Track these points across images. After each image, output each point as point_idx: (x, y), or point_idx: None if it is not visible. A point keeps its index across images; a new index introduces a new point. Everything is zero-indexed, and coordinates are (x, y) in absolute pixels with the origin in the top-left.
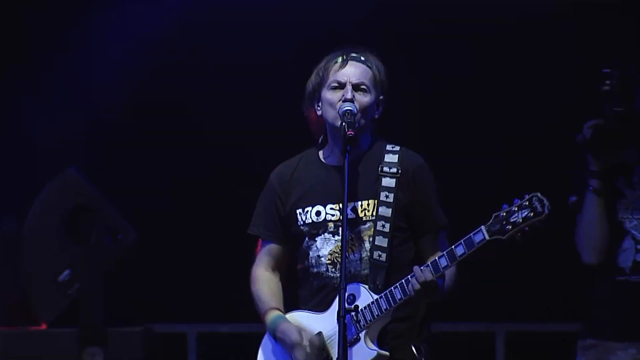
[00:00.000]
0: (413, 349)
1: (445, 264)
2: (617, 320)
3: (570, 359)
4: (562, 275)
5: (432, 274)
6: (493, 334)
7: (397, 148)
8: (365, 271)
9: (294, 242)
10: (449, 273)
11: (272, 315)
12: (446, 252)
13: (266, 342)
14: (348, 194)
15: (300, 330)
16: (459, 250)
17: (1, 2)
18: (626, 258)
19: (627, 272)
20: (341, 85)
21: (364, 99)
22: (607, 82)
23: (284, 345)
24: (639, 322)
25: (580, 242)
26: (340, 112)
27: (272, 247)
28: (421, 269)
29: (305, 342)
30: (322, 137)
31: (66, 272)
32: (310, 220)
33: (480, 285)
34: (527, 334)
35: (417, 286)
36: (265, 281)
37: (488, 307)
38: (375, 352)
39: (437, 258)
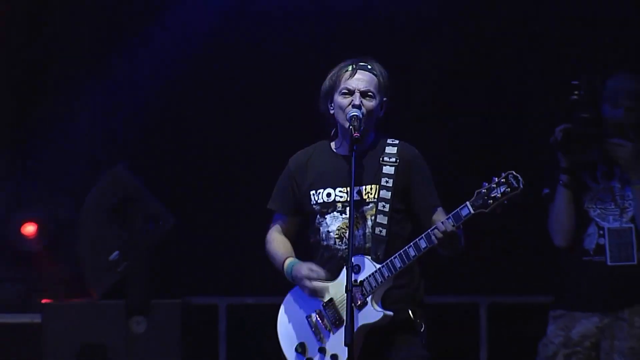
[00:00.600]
0: (410, 312)
1: (452, 226)
2: (582, 294)
3: (544, 327)
4: (538, 254)
5: (453, 226)
6: (477, 305)
7: (396, 142)
8: (368, 245)
9: (307, 219)
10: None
11: (287, 263)
12: (449, 218)
13: (282, 314)
14: (354, 179)
15: (309, 267)
16: (452, 222)
17: (60, 14)
18: (590, 241)
19: (591, 254)
20: (350, 92)
21: (369, 103)
22: (576, 92)
23: (296, 277)
24: (601, 295)
25: (551, 228)
26: (348, 117)
27: (285, 219)
28: (442, 222)
29: (313, 274)
30: (334, 131)
31: (115, 253)
32: (321, 200)
33: (466, 262)
34: (507, 305)
35: (440, 235)
36: (277, 241)
37: (473, 281)
38: (382, 314)
39: (445, 219)
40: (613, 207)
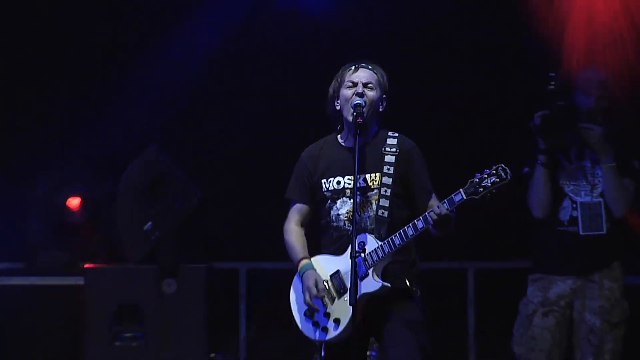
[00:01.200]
0: (407, 282)
1: (447, 210)
2: (557, 259)
3: (524, 289)
4: (520, 225)
5: (447, 209)
6: (465, 270)
7: (396, 134)
8: (372, 225)
9: (319, 203)
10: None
11: (302, 263)
12: (444, 203)
13: (296, 281)
14: (359, 168)
15: (317, 281)
16: (447, 206)
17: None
18: (565, 214)
19: (566, 224)
20: (354, 84)
21: (370, 93)
22: (552, 82)
23: (304, 284)
24: (574, 261)
25: (531, 202)
26: (352, 105)
27: (302, 207)
28: (438, 206)
29: (313, 290)
30: (340, 126)
31: (149, 224)
32: (332, 188)
33: (456, 231)
34: (492, 270)
35: (435, 217)
36: (296, 234)
37: (461, 248)
38: (380, 284)
39: (440, 204)
40: (584, 183)
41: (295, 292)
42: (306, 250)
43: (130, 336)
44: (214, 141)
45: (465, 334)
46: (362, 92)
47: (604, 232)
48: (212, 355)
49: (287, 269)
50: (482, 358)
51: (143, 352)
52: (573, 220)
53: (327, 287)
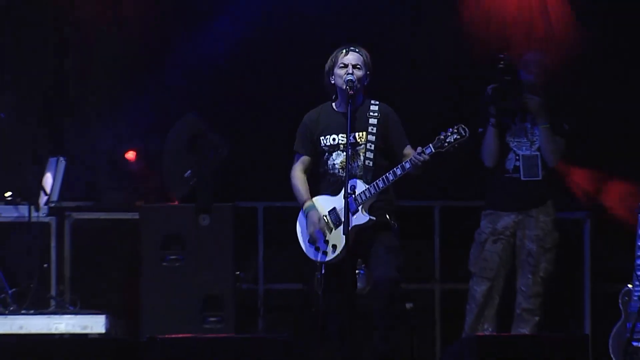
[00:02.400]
0: (387, 216)
1: (419, 160)
2: (504, 199)
3: (478, 222)
4: (476, 171)
5: (426, 158)
6: (432, 207)
7: (377, 102)
8: (361, 172)
9: (318, 155)
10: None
11: (307, 204)
12: (417, 155)
13: (301, 216)
14: (350, 128)
15: (320, 218)
16: (419, 157)
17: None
18: (510, 164)
19: (510, 172)
20: (346, 65)
21: (358, 72)
22: (502, 62)
23: (307, 221)
24: (517, 200)
25: (483, 155)
26: (345, 80)
27: (305, 158)
28: (419, 153)
29: (316, 226)
30: (334, 96)
31: (188, 172)
32: (329, 143)
33: (425, 174)
34: (455, 208)
35: (419, 163)
36: (300, 180)
37: (428, 189)
38: (368, 218)
39: (419, 154)
40: (525, 140)
41: (301, 225)
42: (309, 193)
43: (174, 258)
44: (239, 107)
45: (432, 258)
46: (352, 72)
47: (540, 178)
48: (237, 273)
49: (295, 207)
50: (445, 276)
51: (184, 271)
52: (516, 169)
53: (326, 221)
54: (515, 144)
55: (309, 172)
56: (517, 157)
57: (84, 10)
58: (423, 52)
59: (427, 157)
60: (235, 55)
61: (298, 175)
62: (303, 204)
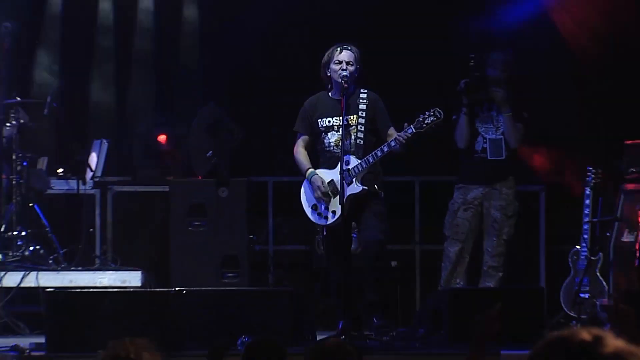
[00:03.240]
0: (376, 186)
1: (402, 139)
2: (473, 174)
3: (452, 194)
4: (451, 152)
5: (408, 136)
6: (413, 182)
7: (366, 90)
8: (353, 149)
9: (316, 135)
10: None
11: (309, 171)
12: (400, 134)
13: (305, 186)
14: (345, 112)
15: (322, 181)
16: (402, 137)
17: None
18: (479, 145)
19: (479, 152)
20: (340, 62)
21: (351, 67)
22: (472, 61)
23: (312, 185)
24: (484, 175)
25: (456, 138)
26: (340, 76)
27: (305, 137)
28: (404, 131)
29: (322, 188)
30: (329, 85)
31: (210, 152)
32: (325, 125)
33: (407, 153)
34: (432, 182)
35: (402, 141)
36: (302, 153)
37: (410, 165)
38: (360, 188)
39: (400, 135)
40: (492, 126)
41: (305, 192)
42: (310, 163)
43: (198, 224)
44: (252, 98)
45: (412, 223)
46: (345, 68)
47: (504, 157)
48: (251, 236)
49: (298, 181)
50: (424, 238)
51: (206, 235)
52: (484, 150)
53: (327, 189)
54: (483, 129)
55: (309, 149)
56: (485, 140)
57: None
58: (408, 49)
59: (409, 135)
60: (250, 51)
61: (300, 151)
62: (306, 172)
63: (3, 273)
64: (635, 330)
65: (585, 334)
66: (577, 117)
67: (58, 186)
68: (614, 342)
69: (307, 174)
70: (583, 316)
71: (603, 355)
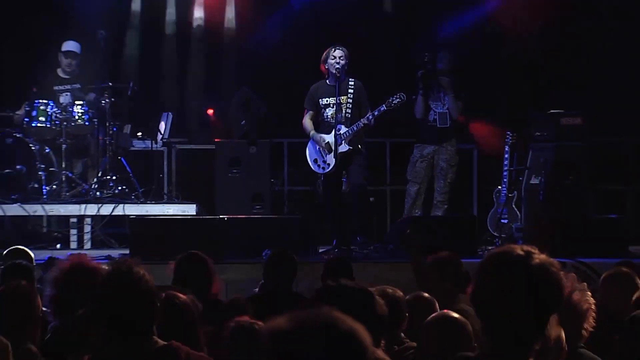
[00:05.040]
0: (359, 146)
1: (378, 113)
2: (427, 137)
3: (412, 150)
4: (412, 121)
5: (381, 112)
6: (385, 142)
7: (353, 79)
8: (343, 120)
9: (318, 110)
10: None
11: (313, 132)
12: (376, 110)
13: (309, 145)
14: (337, 94)
15: (322, 138)
16: (378, 111)
17: None
18: (431, 117)
19: (431, 122)
20: (335, 58)
21: (342, 62)
22: (426, 57)
23: (316, 141)
24: (434, 136)
25: (415, 111)
26: (335, 69)
27: (310, 112)
28: (371, 114)
29: (322, 142)
30: (327, 75)
31: (243, 122)
32: (324, 103)
33: (378, 120)
34: (399, 143)
35: (377, 115)
36: (309, 122)
37: (383, 131)
38: (348, 147)
39: (376, 110)
40: (440, 103)
41: (309, 149)
42: (313, 128)
43: (235, 172)
44: (275, 81)
45: (385, 170)
46: (339, 62)
47: (448, 125)
48: (272, 180)
49: (304, 142)
50: (393, 181)
51: (240, 179)
52: (435, 120)
53: (325, 146)
54: (434, 105)
55: (313, 120)
56: (435, 113)
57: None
58: (381, 49)
59: (382, 111)
60: (271, 50)
61: (307, 120)
62: (310, 134)
63: (100, 205)
64: (551, 241)
65: (519, 250)
66: (499, 97)
67: (137, 145)
68: (539, 256)
69: (311, 135)
70: (503, 235)
71: (532, 265)
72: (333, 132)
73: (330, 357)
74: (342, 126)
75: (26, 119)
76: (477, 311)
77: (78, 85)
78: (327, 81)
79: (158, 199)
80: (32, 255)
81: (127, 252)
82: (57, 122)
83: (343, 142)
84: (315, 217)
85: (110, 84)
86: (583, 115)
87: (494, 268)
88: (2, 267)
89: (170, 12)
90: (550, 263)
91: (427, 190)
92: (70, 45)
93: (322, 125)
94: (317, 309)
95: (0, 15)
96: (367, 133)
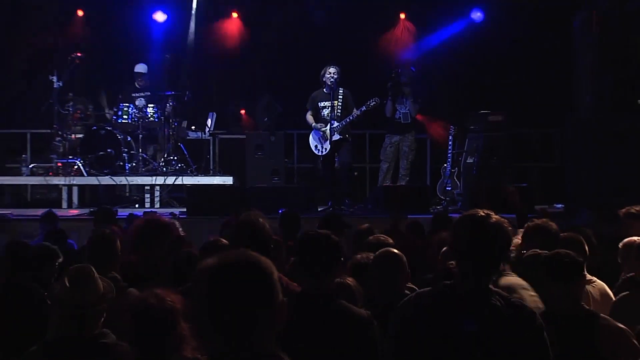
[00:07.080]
0: (347, 135)
1: (360, 112)
2: (394, 129)
3: (383, 139)
4: (384, 119)
5: (362, 111)
6: (365, 133)
7: (342, 89)
8: (335, 117)
9: (317, 110)
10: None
11: (314, 124)
12: (359, 110)
13: (312, 134)
14: (331, 99)
15: (321, 125)
16: (360, 111)
17: None
18: (397, 115)
19: (397, 119)
20: (330, 73)
21: (335, 76)
22: (394, 72)
23: (316, 129)
24: (399, 129)
25: (386, 111)
26: (330, 82)
27: (311, 112)
28: (357, 112)
29: (321, 128)
30: (324, 85)
31: (266, 118)
32: (322, 105)
33: (360, 116)
34: (375, 134)
35: (359, 113)
36: (310, 117)
37: (364, 125)
38: (339, 137)
39: (359, 110)
40: (403, 106)
41: (312, 137)
42: (314, 121)
43: (260, 154)
44: (288, 86)
45: (365, 153)
46: (332, 77)
47: (410, 122)
48: (285, 160)
49: (308, 133)
50: (371, 161)
51: (263, 158)
52: (399, 118)
53: (323, 133)
54: (399, 107)
55: (313, 116)
56: (400, 113)
57: None
58: (363, 65)
59: (362, 111)
60: (285, 66)
61: (309, 116)
62: (312, 125)
63: (166, 177)
64: (520, 204)
65: (481, 212)
66: (445, 101)
67: (192, 135)
68: (495, 217)
69: (312, 126)
70: (447, 199)
71: (490, 224)
72: (328, 125)
73: (240, 280)
74: (335, 121)
75: (114, 117)
76: (453, 254)
77: (148, 93)
78: (324, 89)
79: (206, 173)
80: (117, 211)
81: (185, 210)
82: (135, 119)
83: (335, 132)
84: (316, 186)
85: (172, 92)
86: (504, 114)
87: (465, 224)
88: (95, 219)
89: (212, 39)
90: (502, 220)
91: (394, 167)
92: (139, 67)
93: (320, 121)
94: (236, 250)
95: (103, 48)
96: (353, 126)
